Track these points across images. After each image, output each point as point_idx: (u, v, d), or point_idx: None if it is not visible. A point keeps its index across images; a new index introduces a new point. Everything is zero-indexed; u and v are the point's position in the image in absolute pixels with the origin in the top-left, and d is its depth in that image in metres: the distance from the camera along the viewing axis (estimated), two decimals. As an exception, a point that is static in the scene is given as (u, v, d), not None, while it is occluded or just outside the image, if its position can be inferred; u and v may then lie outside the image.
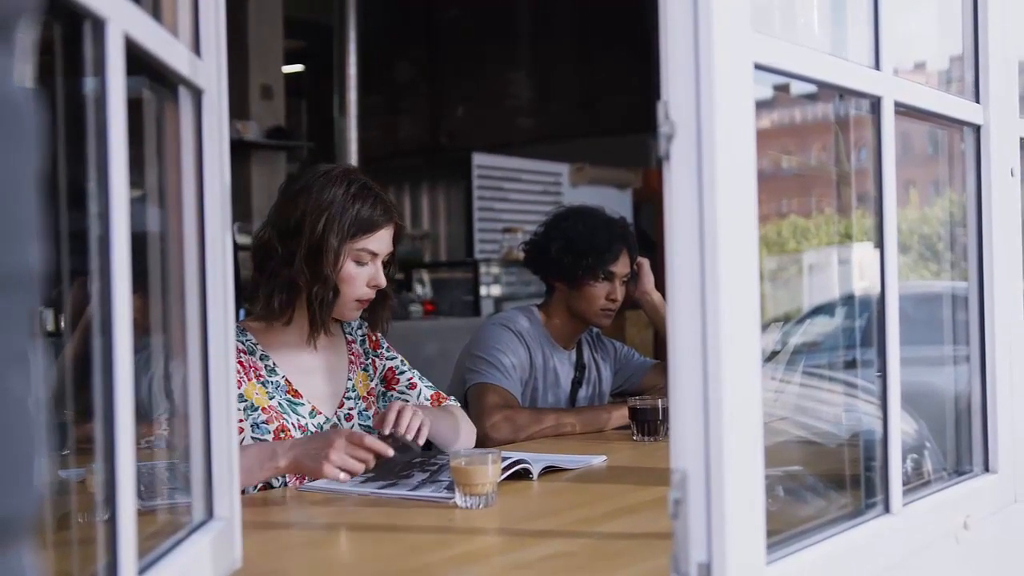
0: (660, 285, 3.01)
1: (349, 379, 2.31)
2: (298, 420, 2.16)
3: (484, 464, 1.80)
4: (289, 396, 2.18)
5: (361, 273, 2.17)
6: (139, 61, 1.06)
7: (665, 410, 2.57)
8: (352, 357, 2.34)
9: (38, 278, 0.52)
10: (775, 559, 1.20)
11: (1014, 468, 1.78)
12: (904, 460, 1.53)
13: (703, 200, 1.11)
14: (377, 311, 2.30)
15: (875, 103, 1.46)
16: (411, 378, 2.39)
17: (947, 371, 1.90)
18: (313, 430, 2.17)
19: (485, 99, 9.55)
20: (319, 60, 8.26)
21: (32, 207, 0.51)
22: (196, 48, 1.29)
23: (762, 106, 1.18)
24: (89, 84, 0.95)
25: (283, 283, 2.14)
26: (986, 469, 1.76)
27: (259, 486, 2.02)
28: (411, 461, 2.10)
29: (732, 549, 1.10)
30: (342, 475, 1.87)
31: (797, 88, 1.49)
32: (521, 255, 3.14)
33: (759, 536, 1.16)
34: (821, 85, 1.44)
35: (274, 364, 2.19)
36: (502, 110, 9.51)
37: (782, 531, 1.27)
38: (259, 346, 2.19)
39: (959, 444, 1.81)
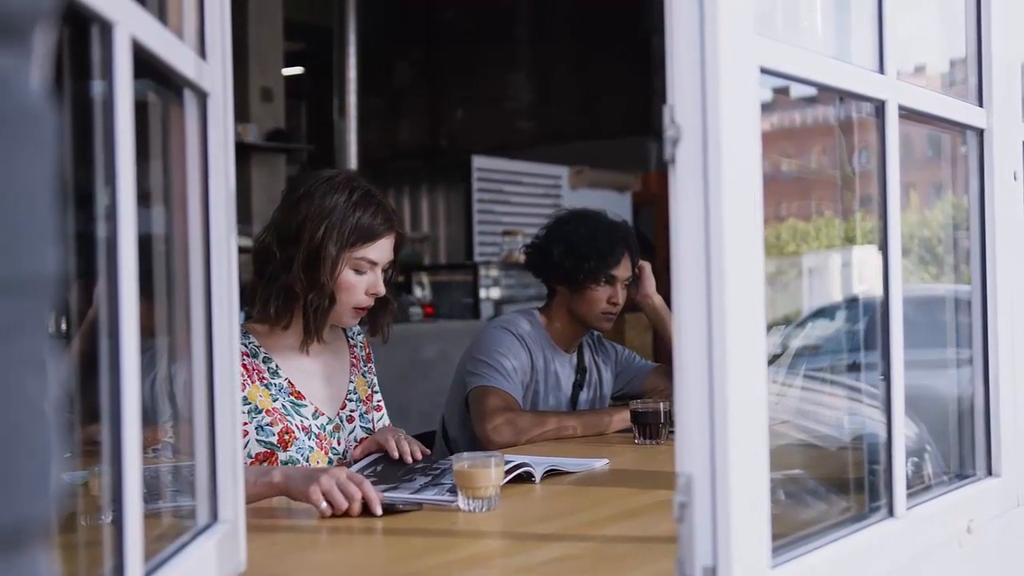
0: (659, 288, 3.02)
1: (351, 381, 2.31)
2: (301, 422, 2.16)
3: (487, 467, 1.80)
4: (292, 398, 2.18)
5: (360, 281, 2.17)
6: (145, 64, 1.06)
7: (667, 413, 2.57)
8: (353, 360, 2.34)
9: (55, 282, 0.52)
10: (780, 563, 1.20)
11: (1017, 472, 1.78)
12: (905, 463, 1.53)
13: (708, 203, 1.11)
14: (378, 317, 2.29)
15: (879, 107, 1.47)
16: (380, 401, 2.41)
17: (948, 374, 1.91)
18: (316, 431, 2.17)
19: (485, 101, 9.55)
20: (319, 62, 8.26)
21: (50, 212, 0.51)
22: (201, 51, 1.29)
23: (761, 109, 1.18)
24: (96, 87, 0.95)
25: (280, 288, 2.13)
26: (989, 473, 1.76)
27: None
28: (413, 467, 2.09)
29: (737, 553, 1.10)
30: (324, 504, 1.77)
31: (796, 91, 1.49)
32: (521, 258, 3.14)
33: (764, 540, 1.16)
34: (826, 89, 1.44)
35: (277, 366, 2.19)
36: (502, 113, 9.51)
37: (786, 535, 1.27)
38: (262, 348, 2.19)
39: (962, 448, 1.81)
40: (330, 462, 2.19)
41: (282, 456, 2.11)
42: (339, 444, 2.23)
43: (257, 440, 2.09)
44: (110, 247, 0.95)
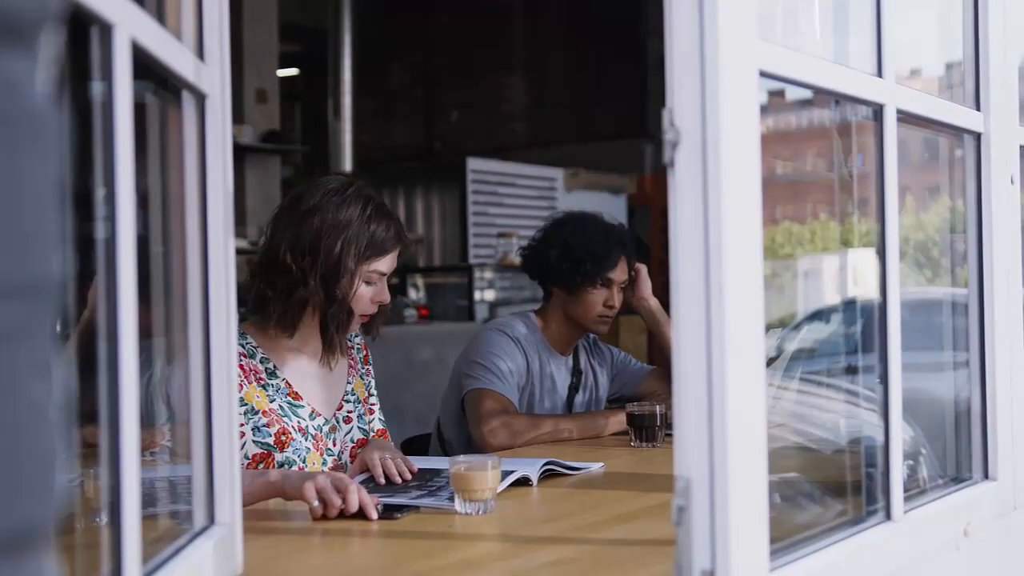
0: (654, 290, 3.02)
1: (348, 382, 2.31)
2: (298, 422, 2.16)
3: (484, 470, 1.80)
4: (289, 398, 2.18)
5: (369, 292, 2.18)
6: (144, 66, 1.05)
7: (663, 416, 2.57)
8: (351, 362, 2.34)
9: (59, 286, 0.52)
10: (778, 566, 1.20)
11: (1014, 475, 1.79)
12: (902, 467, 1.53)
13: (708, 207, 1.10)
14: (374, 318, 2.30)
15: (878, 110, 1.47)
16: (374, 404, 2.40)
17: (944, 378, 1.91)
18: (313, 432, 2.17)
19: (479, 104, 9.55)
20: (314, 64, 8.26)
21: (55, 216, 0.51)
22: (200, 53, 1.28)
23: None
24: (96, 88, 0.95)
25: (297, 302, 2.13)
26: (986, 476, 1.76)
27: None
28: (407, 484, 2.06)
29: (736, 556, 1.10)
30: (316, 502, 1.75)
31: (792, 94, 1.49)
32: (517, 260, 3.14)
33: (763, 543, 1.16)
34: (825, 93, 1.44)
35: (275, 367, 2.19)
36: (496, 115, 9.51)
37: (785, 538, 1.27)
38: (259, 349, 2.19)
39: (959, 451, 1.81)
40: (325, 463, 2.19)
41: (279, 457, 2.11)
42: (335, 445, 2.23)
43: (254, 441, 2.09)
44: (109, 248, 0.95)
